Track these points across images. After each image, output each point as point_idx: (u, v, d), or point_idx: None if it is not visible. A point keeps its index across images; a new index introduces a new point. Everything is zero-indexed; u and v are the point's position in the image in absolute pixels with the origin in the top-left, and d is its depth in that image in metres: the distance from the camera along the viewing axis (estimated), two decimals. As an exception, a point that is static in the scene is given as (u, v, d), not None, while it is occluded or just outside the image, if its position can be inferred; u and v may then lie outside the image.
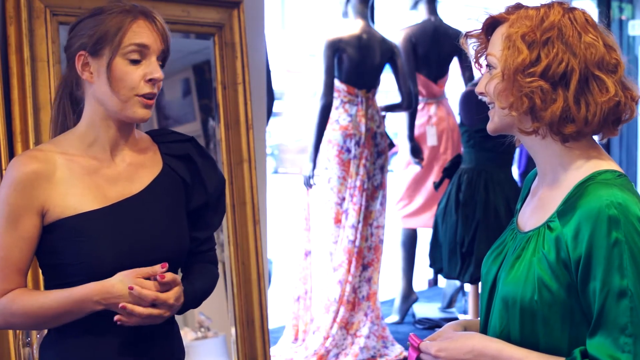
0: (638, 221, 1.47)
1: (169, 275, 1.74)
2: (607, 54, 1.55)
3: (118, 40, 1.75)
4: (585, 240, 1.47)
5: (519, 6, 1.62)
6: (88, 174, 1.79)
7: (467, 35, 1.68)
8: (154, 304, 1.72)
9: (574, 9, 1.59)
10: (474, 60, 1.68)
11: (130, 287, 1.69)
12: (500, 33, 1.60)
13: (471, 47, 1.69)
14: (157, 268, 1.73)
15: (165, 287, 1.73)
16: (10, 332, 2.47)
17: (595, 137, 1.63)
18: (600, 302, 1.47)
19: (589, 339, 1.49)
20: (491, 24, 1.64)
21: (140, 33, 1.76)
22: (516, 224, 1.69)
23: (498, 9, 1.65)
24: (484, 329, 1.68)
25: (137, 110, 1.78)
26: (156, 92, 1.79)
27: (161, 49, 1.79)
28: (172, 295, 1.74)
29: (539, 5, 1.61)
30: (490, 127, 1.64)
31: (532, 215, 1.64)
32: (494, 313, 1.63)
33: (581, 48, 1.54)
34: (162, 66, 1.81)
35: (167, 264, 1.75)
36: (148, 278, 1.73)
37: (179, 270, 1.92)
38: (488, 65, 1.62)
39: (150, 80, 1.77)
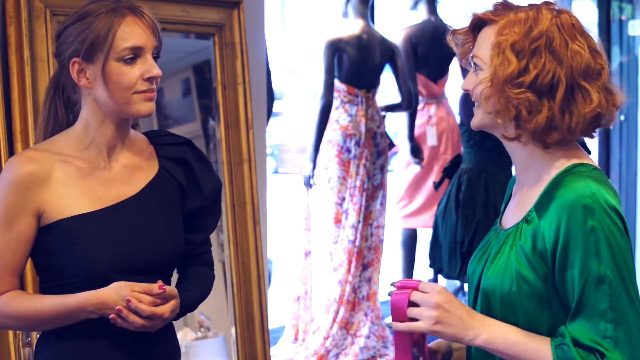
0: (612, 210, 1.50)
1: (169, 288, 1.73)
2: (592, 61, 1.56)
3: (109, 42, 1.72)
4: (562, 230, 1.50)
5: (506, 5, 1.61)
6: (83, 176, 1.78)
7: (454, 32, 1.68)
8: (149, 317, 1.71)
9: (561, 12, 1.58)
10: (460, 57, 1.68)
11: (127, 300, 1.68)
12: (487, 34, 1.60)
13: (458, 44, 1.69)
14: (155, 287, 1.72)
15: (163, 300, 1.73)
16: (10, 332, 2.46)
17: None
18: (580, 289, 1.49)
19: (569, 324, 1.51)
20: (478, 23, 1.63)
21: (132, 33, 1.73)
22: (499, 224, 1.71)
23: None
24: None
25: (140, 107, 1.76)
26: (154, 87, 1.77)
27: (155, 45, 1.77)
28: (168, 309, 1.73)
29: (527, 5, 1.60)
30: (473, 123, 1.66)
31: (513, 214, 1.67)
32: (477, 309, 1.65)
33: (568, 57, 1.54)
34: (157, 58, 1.78)
35: (164, 285, 1.74)
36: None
37: (175, 271, 1.92)
38: (475, 64, 1.62)
39: (148, 78, 1.75)
